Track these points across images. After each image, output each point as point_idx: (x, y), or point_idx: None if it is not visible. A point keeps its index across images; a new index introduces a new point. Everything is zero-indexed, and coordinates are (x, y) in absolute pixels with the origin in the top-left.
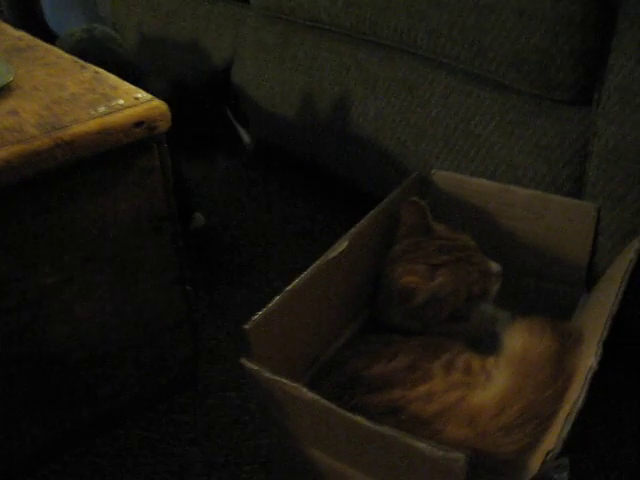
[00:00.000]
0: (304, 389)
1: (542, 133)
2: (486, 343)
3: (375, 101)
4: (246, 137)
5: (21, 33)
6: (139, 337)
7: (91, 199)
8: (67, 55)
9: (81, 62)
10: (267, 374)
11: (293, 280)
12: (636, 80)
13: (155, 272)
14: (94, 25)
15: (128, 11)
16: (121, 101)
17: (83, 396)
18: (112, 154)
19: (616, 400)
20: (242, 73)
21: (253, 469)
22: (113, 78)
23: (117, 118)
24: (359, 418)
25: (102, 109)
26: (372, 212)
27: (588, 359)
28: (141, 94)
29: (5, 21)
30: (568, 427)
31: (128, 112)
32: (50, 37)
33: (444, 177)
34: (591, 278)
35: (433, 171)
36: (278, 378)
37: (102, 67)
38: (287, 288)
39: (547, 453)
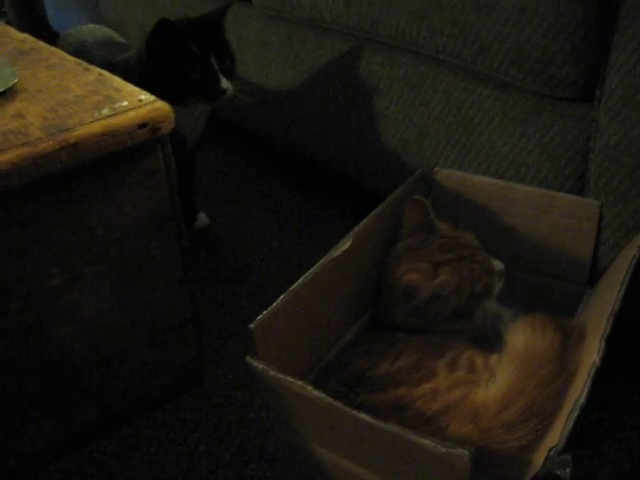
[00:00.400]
0: (309, 387)
1: (544, 130)
2: (489, 340)
3: (378, 100)
4: (225, 84)
5: (25, 35)
6: (145, 337)
7: (96, 200)
8: (71, 57)
9: (85, 64)
10: (272, 372)
11: (298, 279)
12: (638, 77)
13: (160, 272)
14: (94, 25)
15: (130, 11)
16: (125, 103)
17: (90, 395)
18: (116, 156)
19: (619, 396)
20: (245, 72)
21: (259, 467)
22: (117, 80)
23: (121, 120)
24: (364, 415)
25: (106, 111)
26: (375, 210)
27: (591, 356)
28: (145, 96)
29: (8, 22)
30: (571, 423)
31: (132, 114)
32: (54, 37)
33: (447, 175)
34: (594, 275)
35: (436, 169)
36: (283, 376)
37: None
38: (292, 287)
39: (550, 449)
